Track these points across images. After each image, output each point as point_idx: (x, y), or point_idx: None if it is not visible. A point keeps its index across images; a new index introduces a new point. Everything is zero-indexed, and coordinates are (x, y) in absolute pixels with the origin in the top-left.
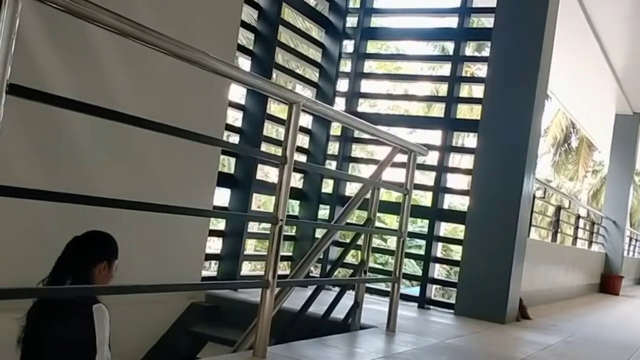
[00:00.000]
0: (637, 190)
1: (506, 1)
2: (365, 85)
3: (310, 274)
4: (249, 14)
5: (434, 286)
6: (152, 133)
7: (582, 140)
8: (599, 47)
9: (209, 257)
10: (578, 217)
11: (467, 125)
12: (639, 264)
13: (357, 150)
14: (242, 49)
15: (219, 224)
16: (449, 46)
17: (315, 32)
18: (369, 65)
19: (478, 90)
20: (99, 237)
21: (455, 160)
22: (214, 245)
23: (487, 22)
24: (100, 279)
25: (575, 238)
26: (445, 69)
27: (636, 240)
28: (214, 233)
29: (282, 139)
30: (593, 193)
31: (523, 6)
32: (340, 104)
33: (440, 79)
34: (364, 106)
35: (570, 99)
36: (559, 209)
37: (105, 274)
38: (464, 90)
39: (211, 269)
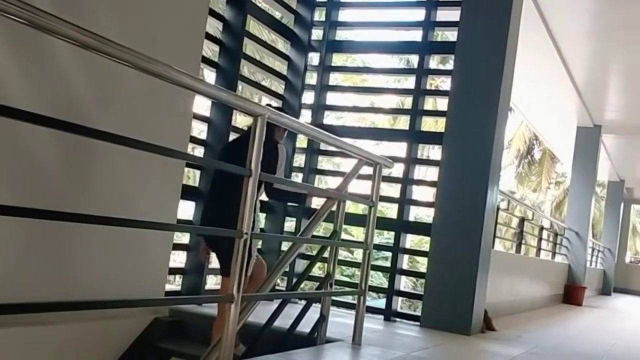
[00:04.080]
0: (599, 202)
1: (469, 15)
2: (331, 98)
3: (276, 287)
4: (214, 26)
5: (400, 298)
6: (115, 145)
7: (545, 152)
8: (561, 61)
9: (173, 271)
10: (542, 228)
11: (432, 138)
12: (600, 275)
13: (323, 162)
14: (207, 61)
15: (183, 238)
16: (414, 59)
17: (281, 44)
18: (335, 78)
19: (442, 103)
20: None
21: (420, 172)
22: (179, 258)
23: (451, 35)
24: (279, 136)
25: (539, 249)
26: (410, 82)
27: (598, 251)
28: (178, 247)
29: None
30: (556, 204)
31: (486, 20)
32: (306, 116)
33: (405, 91)
34: (330, 118)
35: (533, 111)
36: (522, 220)
37: (281, 133)
38: (429, 103)
39: (175, 283)
